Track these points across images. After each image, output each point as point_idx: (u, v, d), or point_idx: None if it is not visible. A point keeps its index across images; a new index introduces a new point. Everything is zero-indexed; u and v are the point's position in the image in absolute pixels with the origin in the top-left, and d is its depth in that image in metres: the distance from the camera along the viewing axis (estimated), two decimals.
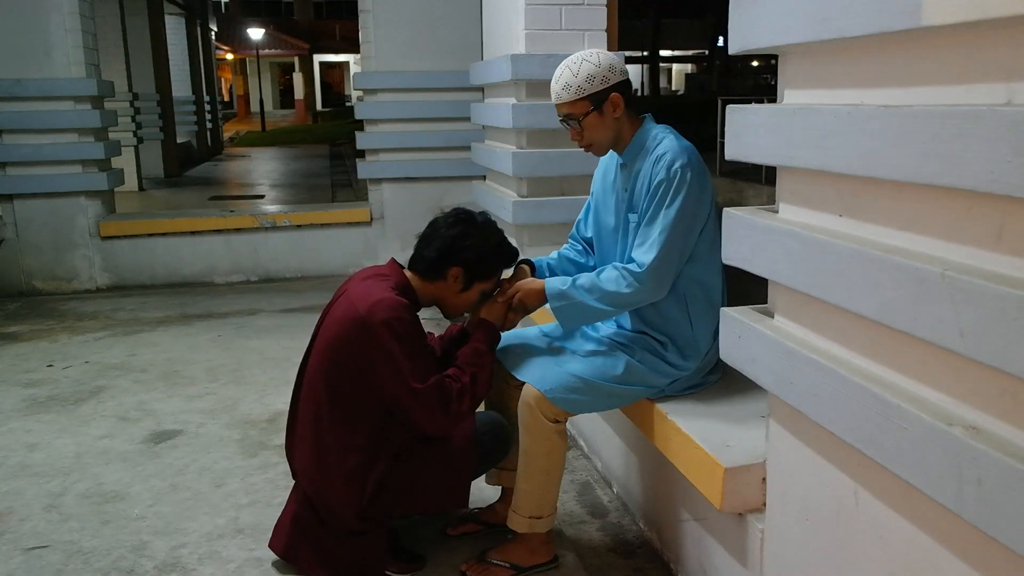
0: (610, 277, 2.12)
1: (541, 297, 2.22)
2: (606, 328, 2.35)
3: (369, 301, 2.13)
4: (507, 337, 2.43)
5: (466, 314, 2.42)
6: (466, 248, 2.23)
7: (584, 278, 2.16)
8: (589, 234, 2.49)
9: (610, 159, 2.37)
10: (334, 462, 2.19)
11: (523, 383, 2.20)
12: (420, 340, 2.20)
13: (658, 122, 2.27)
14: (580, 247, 2.53)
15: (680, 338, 2.23)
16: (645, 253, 2.09)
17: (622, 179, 2.28)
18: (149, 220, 6.20)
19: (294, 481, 2.37)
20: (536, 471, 2.18)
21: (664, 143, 2.16)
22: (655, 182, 2.11)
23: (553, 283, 2.19)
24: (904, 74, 1.27)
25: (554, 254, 2.54)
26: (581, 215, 2.55)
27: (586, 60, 2.15)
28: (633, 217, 2.23)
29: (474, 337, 2.29)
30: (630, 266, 2.11)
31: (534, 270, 2.42)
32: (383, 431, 2.20)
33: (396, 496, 2.26)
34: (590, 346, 2.30)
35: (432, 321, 3.89)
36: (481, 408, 2.34)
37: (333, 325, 2.20)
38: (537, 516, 2.22)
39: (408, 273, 2.30)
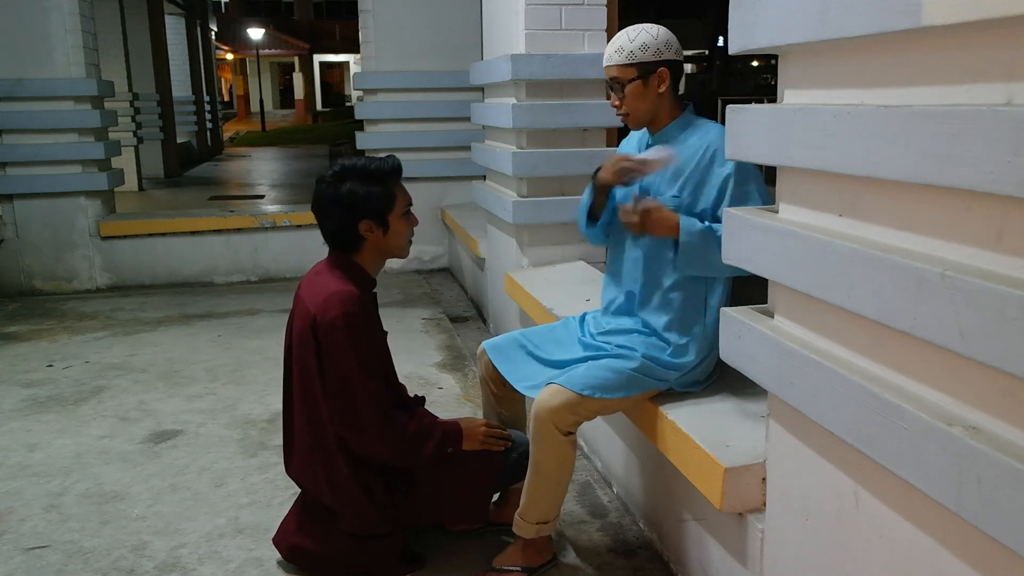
0: None
1: (672, 230, 2.13)
2: (613, 339, 2.36)
3: (321, 299, 2.12)
4: (503, 349, 2.41)
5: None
6: (352, 197, 2.15)
7: (720, 228, 2.10)
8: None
9: (639, 139, 2.38)
10: (339, 466, 2.18)
11: (524, 395, 2.20)
12: (373, 337, 2.19)
13: None
14: None
15: (691, 326, 2.22)
16: None
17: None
18: (149, 220, 6.19)
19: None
20: (547, 481, 2.18)
21: (716, 130, 2.18)
22: (731, 170, 2.11)
23: (689, 221, 2.13)
24: (904, 74, 1.27)
25: None
26: None
27: (645, 30, 2.19)
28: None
29: (445, 422, 2.28)
30: None
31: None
32: None
33: (420, 506, 2.28)
34: (596, 352, 2.31)
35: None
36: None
37: (297, 334, 2.20)
38: (544, 521, 2.23)
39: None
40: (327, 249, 2.30)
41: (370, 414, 2.12)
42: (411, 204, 2.27)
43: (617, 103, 2.25)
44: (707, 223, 2.15)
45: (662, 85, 2.20)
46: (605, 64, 2.24)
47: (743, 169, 2.12)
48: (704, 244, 2.11)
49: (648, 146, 2.30)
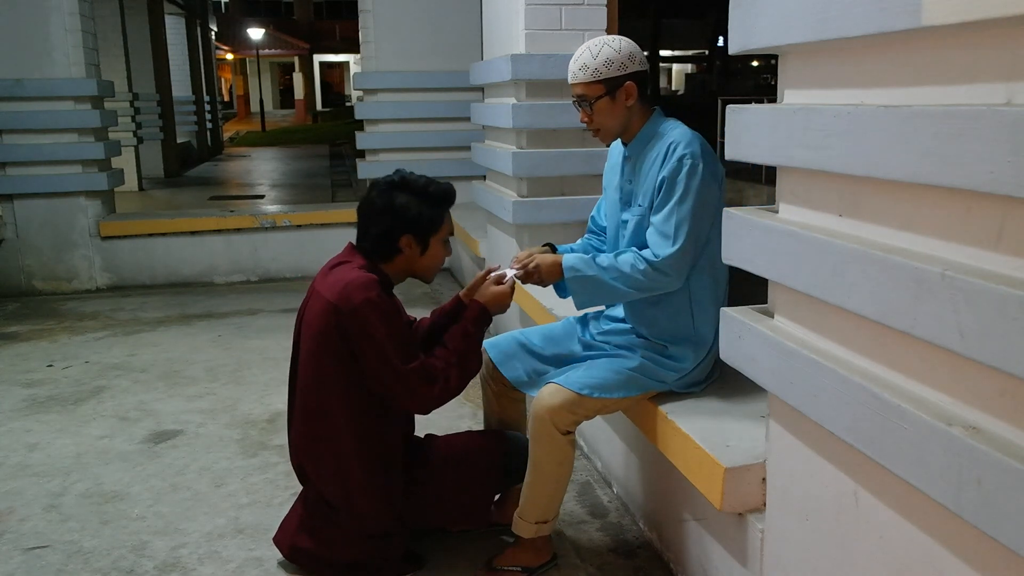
0: (627, 260, 2.12)
1: (557, 271, 2.20)
2: (612, 339, 2.36)
3: (339, 288, 2.12)
4: (503, 348, 2.42)
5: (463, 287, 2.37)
6: (404, 210, 2.17)
7: (603, 257, 2.17)
8: (605, 223, 2.49)
9: (618, 153, 2.38)
10: (350, 464, 2.19)
11: (524, 395, 2.20)
12: (397, 317, 2.19)
13: None
14: (600, 237, 2.53)
15: (682, 333, 2.23)
16: (664, 246, 2.09)
17: (626, 173, 2.29)
18: (149, 220, 6.20)
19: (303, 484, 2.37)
20: (546, 480, 2.19)
21: (672, 134, 2.17)
22: (667, 173, 2.11)
23: (571, 258, 2.19)
24: (904, 74, 1.27)
25: (578, 241, 2.55)
26: (596, 208, 2.56)
27: (607, 44, 2.16)
28: (627, 213, 2.25)
29: (464, 317, 2.28)
30: (644, 253, 2.11)
31: (555, 251, 2.41)
32: (389, 421, 2.22)
33: (423, 508, 2.29)
34: (595, 352, 2.31)
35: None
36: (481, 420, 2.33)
37: (312, 325, 2.18)
38: (543, 521, 2.23)
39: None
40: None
41: (414, 377, 2.13)
42: (452, 234, 2.30)
43: (587, 119, 2.24)
44: (592, 255, 2.18)
45: (630, 99, 2.18)
46: (571, 81, 2.21)
47: (673, 182, 2.10)
48: (587, 278, 2.15)
49: (625, 158, 2.30)
